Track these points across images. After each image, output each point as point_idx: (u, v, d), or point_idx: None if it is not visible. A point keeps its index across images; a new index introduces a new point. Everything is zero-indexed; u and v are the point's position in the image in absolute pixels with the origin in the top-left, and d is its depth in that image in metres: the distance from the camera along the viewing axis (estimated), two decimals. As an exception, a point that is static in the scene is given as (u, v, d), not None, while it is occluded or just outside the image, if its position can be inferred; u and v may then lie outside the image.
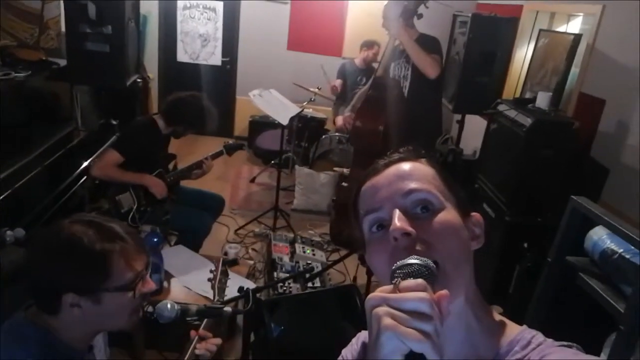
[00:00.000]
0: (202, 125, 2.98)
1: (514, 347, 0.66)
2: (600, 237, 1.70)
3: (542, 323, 1.81)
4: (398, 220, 0.63)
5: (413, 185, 0.68)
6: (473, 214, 0.72)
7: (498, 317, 0.71)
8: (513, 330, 0.69)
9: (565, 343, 0.66)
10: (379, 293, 0.52)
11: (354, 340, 0.85)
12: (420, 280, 0.52)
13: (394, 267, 0.57)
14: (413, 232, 0.62)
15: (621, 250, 1.61)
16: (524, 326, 0.70)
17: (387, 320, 0.48)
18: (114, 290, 1.10)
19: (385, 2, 3.37)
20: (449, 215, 0.66)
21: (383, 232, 0.67)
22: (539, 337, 0.67)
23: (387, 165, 0.73)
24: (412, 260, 0.56)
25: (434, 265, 0.57)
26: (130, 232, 1.17)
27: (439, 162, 0.76)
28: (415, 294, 0.50)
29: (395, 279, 0.54)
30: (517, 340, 0.66)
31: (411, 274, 0.55)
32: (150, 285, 1.20)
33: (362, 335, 0.84)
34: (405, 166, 0.71)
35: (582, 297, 1.68)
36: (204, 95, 3.03)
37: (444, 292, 0.52)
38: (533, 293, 2.57)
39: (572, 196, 1.77)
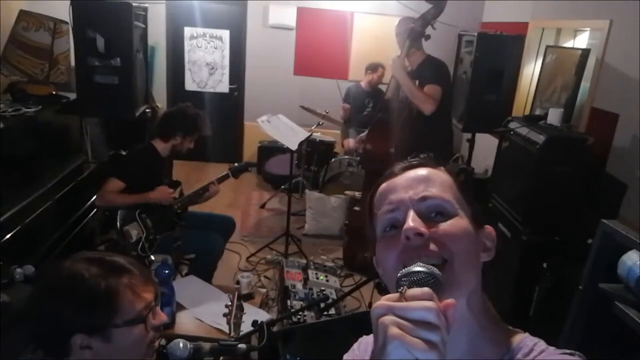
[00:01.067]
0: (195, 128, 2.97)
1: (516, 354, 0.66)
2: (634, 262, 1.62)
3: (575, 349, 1.73)
4: (412, 220, 0.64)
5: (430, 191, 0.68)
6: (486, 226, 0.73)
7: (501, 324, 0.71)
8: (515, 337, 0.69)
9: (567, 351, 0.66)
10: (385, 302, 0.51)
11: (355, 345, 0.85)
12: (426, 289, 0.52)
13: (399, 275, 0.56)
14: (426, 232, 0.63)
15: None
16: (526, 334, 0.70)
17: (394, 330, 0.48)
18: (124, 325, 1.06)
19: (392, 21, 3.39)
20: (462, 221, 0.67)
21: (395, 233, 0.67)
22: (541, 344, 0.67)
23: (407, 169, 0.74)
24: (418, 267, 0.56)
25: (440, 273, 0.56)
26: (134, 264, 1.15)
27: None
28: (421, 303, 0.50)
29: (402, 287, 0.53)
30: (520, 347, 0.66)
31: (417, 282, 0.54)
32: (162, 317, 1.17)
33: (364, 341, 0.83)
34: (424, 171, 0.72)
35: (615, 324, 1.60)
36: (190, 105, 3.08)
37: (451, 301, 0.52)
38: (555, 313, 2.49)
39: (603, 220, 1.70)
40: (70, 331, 1.03)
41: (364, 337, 0.84)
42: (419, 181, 0.70)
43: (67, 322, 1.04)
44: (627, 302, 1.62)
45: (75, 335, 1.03)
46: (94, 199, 3.04)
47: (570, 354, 0.65)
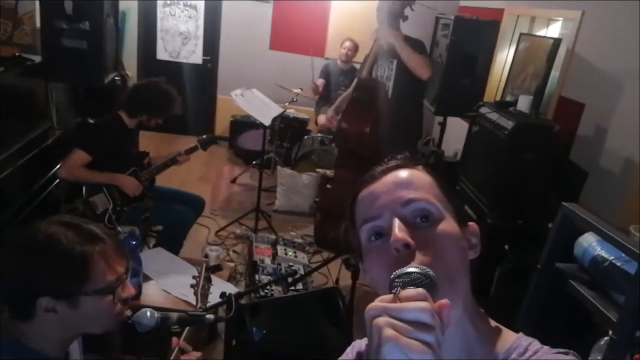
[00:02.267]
0: (164, 110, 2.86)
1: (511, 354, 0.66)
2: (590, 243, 1.70)
3: (531, 328, 1.81)
4: (399, 230, 0.62)
5: (413, 194, 0.67)
6: (470, 223, 0.72)
7: (494, 324, 0.71)
8: (509, 337, 0.69)
9: (562, 350, 0.66)
10: (379, 303, 0.51)
11: (348, 349, 0.83)
12: (421, 290, 0.52)
13: (392, 276, 0.56)
14: (413, 244, 0.61)
15: (612, 257, 1.62)
16: (520, 333, 0.70)
17: (389, 331, 0.47)
18: (93, 294, 1.05)
19: (369, 2, 3.36)
20: (448, 225, 0.66)
21: (382, 242, 0.66)
22: (536, 344, 0.67)
23: (385, 172, 0.72)
24: (412, 269, 0.55)
25: (434, 274, 0.56)
26: (109, 234, 1.13)
27: (423, 164, 0.76)
28: (416, 303, 0.49)
29: (395, 288, 0.53)
30: (514, 347, 0.66)
31: (411, 282, 0.54)
32: (130, 290, 1.16)
33: (357, 345, 0.82)
34: (404, 174, 0.71)
35: (569, 303, 1.68)
36: (163, 80, 2.91)
37: (445, 301, 0.51)
38: (514, 295, 2.59)
39: (563, 203, 1.77)
40: (38, 292, 1.02)
41: (357, 340, 0.83)
42: (399, 185, 0.68)
43: (36, 282, 1.02)
44: (581, 282, 1.70)
45: (42, 297, 1.02)
46: (58, 171, 2.93)
47: (565, 353, 0.65)
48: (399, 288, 0.53)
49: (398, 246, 0.61)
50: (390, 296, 0.51)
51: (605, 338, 1.54)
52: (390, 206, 0.67)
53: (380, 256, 0.65)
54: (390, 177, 0.70)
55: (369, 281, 0.70)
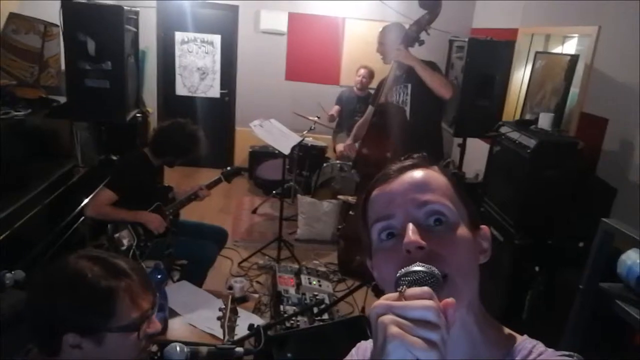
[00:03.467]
0: (190, 151, 2.89)
1: (515, 356, 0.66)
2: (634, 261, 1.64)
3: (577, 351, 1.74)
4: (412, 233, 0.62)
5: (428, 196, 0.67)
6: (482, 226, 0.72)
7: (500, 327, 0.71)
8: (514, 340, 0.69)
9: (566, 353, 0.65)
10: (384, 301, 0.51)
11: (353, 350, 0.83)
12: (426, 288, 0.51)
13: (398, 275, 0.56)
14: (426, 245, 0.61)
15: None
16: (525, 336, 0.70)
17: (394, 329, 0.47)
18: (118, 331, 1.04)
19: (382, 27, 3.41)
20: (461, 230, 0.66)
21: (394, 242, 0.66)
22: (540, 346, 0.67)
23: (400, 172, 0.71)
24: (417, 267, 0.56)
25: (439, 273, 0.56)
26: (136, 269, 1.13)
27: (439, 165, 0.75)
28: (421, 302, 0.49)
29: (401, 287, 0.53)
30: (519, 350, 0.66)
31: (416, 281, 0.54)
32: (157, 326, 1.15)
33: (362, 346, 0.83)
34: (420, 174, 0.70)
35: (616, 321, 1.61)
36: (189, 121, 2.94)
37: (450, 300, 0.51)
38: (548, 316, 2.50)
39: (603, 219, 1.71)
40: (64, 329, 1.02)
41: (362, 342, 0.83)
42: (414, 185, 0.68)
43: (61, 318, 1.02)
44: (628, 301, 1.63)
45: (68, 334, 1.01)
46: (84, 209, 2.98)
47: (569, 356, 0.65)
48: (404, 286, 0.53)
49: (410, 248, 0.61)
50: (395, 294, 0.52)
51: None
52: (404, 207, 0.66)
53: (391, 256, 0.64)
54: (406, 178, 0.70)
55: (377, 279, 0.70)
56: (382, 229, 0.67)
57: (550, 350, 0.66)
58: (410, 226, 0.63)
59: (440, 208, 0.65)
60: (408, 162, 0.73)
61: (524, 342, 0.67)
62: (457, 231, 0.65)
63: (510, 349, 0.67)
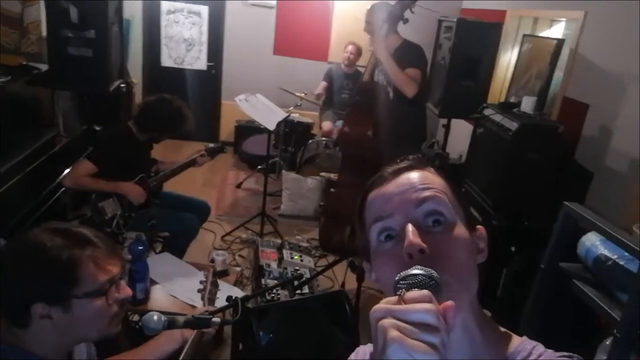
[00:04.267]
0: (176, 128, 2.87)
1: (515, 357, 0.66)
2: (593, 243, 1.70)
3: (535, 329, 1.81)
4: (413, 235, 0.62)
5: (426, 193, 0.67)
6: (478, 227, 0.72)
7: (499, 328, 0.71)
8: (514, 341, 0.69)
9: (566, 354, 0.66)
10: (383, 305, 0.51)
11: (352, 355, 0.83)
12: (425, 291, 0.52)
13: (397, 278, 0.56)
14: (427, 249, 0.61)
15: (615, 256, 1.61)
16: (524, 337, 0.70)
17: (394, 333, 0.47)
18: (84, 297, 1.06)
19: (370, 5, 3.37)
20: (459, 230, 0.66)
21: (393, 244, 0.66)
22: (540, 348, 0.67)
23: (397, 173, 0.71)
24: (416, 270, 0.55)
25: (438, 276, 0.56)
26: (100, 236, 1.14)
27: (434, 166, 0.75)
28: (421, 305, 0.49)
29: (400, 290, 0.53)
30: (518, 351, 0.67)
31: (416, 284, 0.54)
32: (127, 291, 1.16)
33: (362, 351, 0.82)
34: (416, 175, 0.70)
35: (575, 305, 1.67)
36: (176, 98, 2.92)
37: (450, 303, 0.51)
38: (521, 297, 2.58)
39: (565, 202, 1.77)
40: (31, 300, 1.03)
41: (361, 346, 0.83)
42: (412, 186, 0.68)
43: (28, 289, 1.04)
44: (585, 281, 1.70)
45: (35, 304, 1.03)
46: (62, 179, 2.95)
47: (569, 357, 0.65)
48: (403, 290, 0.53)
49: (412, 251, 0.61)
50: (395, 298, 0.52)
51: (610, 338, 1.54)
52: (402, 207, 0.66)
53: (391, 259, 0.64)
54: (403, 179, 0.70)
55: (375, 281, 0.70)
56: (381, 230, 0.67)
57: (550, 351, 0.66)
58: (410, 228, 0.63)
59: (438, 207, 0.66)
60: (404, 164, 0.72)
61: (524, 343, 0.68)
62: (455, 231, 0.65)
63: (510, 350, 0.67)
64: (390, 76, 3.14)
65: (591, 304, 1.62)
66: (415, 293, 0.51)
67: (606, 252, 1.63)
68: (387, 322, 0.49)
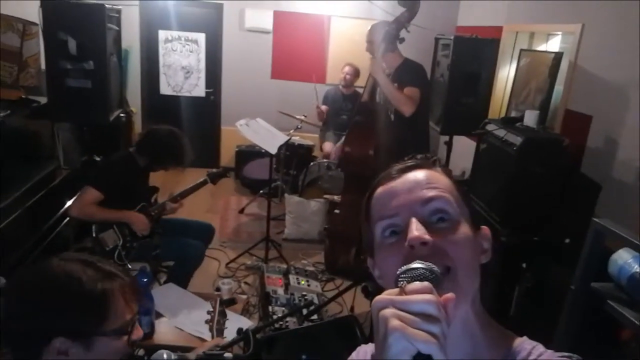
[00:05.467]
0: (174, 161, 2.89)
1: (515, 357, 0.66)
2: (625, 261, 1.64)
3: (569, 351, 1.74)
4: (416, 229, 0.63)
5: (432, 193, 0.67)
6: (482, 227, 0.72)
7: (499, 328, 0.71)
8: (514, 341, 0.69)
9: (566, 354, 0.66)
10: (385, 295, 0.52)
11: (353, 354, 0.83)
12: (426, 283, 0.53)
13: (398, 272, 0.57)
14: (430, 240, 0.62)
15: None
16: (524, 337, 0.70)
17: (395, 322, 0.49)
18: (111, 334, 1.01)
19: (370, 25, 3.39)
20: (463, 228, 0.67)
21: (397, 239, 0.66)
22: (540, 347, 0.67)
23: (404, 171, 0.72)
24: (417, 264, 0.57)
25: (439, 270, 0.57)
26: (123, 271, 1.10)
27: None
28: (422, 296, 0.51)
29: (401, 283, 0.54)
30: (518, 351, 0.67)
31: (416, 277, 0.55)
32: (139, 332, 1.11)
33: (362, 350, 0.83)
34: (424, 174, 0.71)
35: (601, 318, 1.61)
36: (180, 131, 2.93)
37: (450, 295, 0.53)
38: (535, 313, 2.52)
39: (594, 219, 1.71)
40: (52, 333, 0.97)
41: (362, 345, 0.84)
42: (418, 184, 0.69)
43: (52, 322, 0.97)
44: (619, 301, 1.63)
45: (56, 338, 0.97)
46: (68, 209, 2.92)
47: (569, 357, 0.66)
48: (404, 282, 0.54)
49: (415, 244, 0.62)
50: (396, 290, 0.53)
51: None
52: (408, 205, 0.67)
53: (394, 253, 0.65)
54: (410, 176, 0.70)
55: (378, 278, 0.71)
56: (386, 226, 0.68)
57: (549, 351, 0.66)
58: (414, 221, 0.63)
59: (444, 206, 0.66)
60: (411, 162, 0.73)
61: (523, 343, 0.68)
62: (459, 229, 0.66)
63: (510, 350, 0.67)
64: (387, 95, 3.14)
65: (628, 325, 1.55)
66: (416, 284, 0.52)
67: (641, 270, 1.58)
68: (389, 311, 0.50)
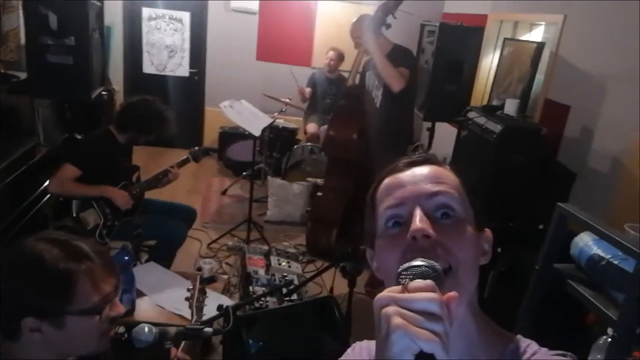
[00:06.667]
0: (155, 129, 2.84)
1: (509, 356, 0.67)
2: (586, 243, 1.72)
3: (530, 329, 1.82)
4: (420, 221, 0.62)
5: (439, 187, 0.67)
6: (485, 229, 0.73)
7: (496, 328, 0.72)
8: (508, 339, 0.70)
9: (560, 352, 0.67)
10: (387, 293, 0.52)
11: (349, 350, 0.83)
12: (429, 281, 0.52)
13: (399, 270, 0.56)
14: (433, 234, 0.61)
15: (609, 256, 1.63)
16: (519, 335, 0.71)
17: (398, 320, 0.48)
18: (78, 314, 1.02)
19: (356, 11, 3.38)
20: (467, 227, 0.67)
21: (399, 230, 0.66)
22: (534, 345, 0.68)
23: (412, 165, 0.72)
24: (419, 262, 0.56)
25: (440, 268, 0.57)
26: (99, 252, 1.10)
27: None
28: (425, 294, 0.50)
29: (404, 280, 0.54)
30: (513, 349, 0.67)
31: (418, 275, 0.54)
32: (120, 309, 1.13)
33: (358, 347, 0.82)
34: (432, 169, 0.71)
35: (567, 303, 1.69)
36: (158, 100, 2.90)
37: (453, 293, 0.52)
38: (508, 296, 2.60)
39: (559, 203, 1.78)
40: (22, 312, 0.99)
41: (358, 342, 0.83)
42: (427, 178, 0.68)
43: (20, 302, 1.00)
44: (579, 281, 1.72)
45: (26, 318, 0.99)
46: (47, 185, 2.89)
47: (563, 355, 0.66)
48: (407, 279, 0.53)
49: (417, 235, 0.61)
50: (399, 287, 0.52)
51: (604, 337, 1.55)
52: (415, 197, 0.67)
53: (395, 243, 0.65)
54: (418, 170, 0.70)
55: (376, 270, 0.71)
56: (390, 217, 0.67)
57: (543, 349, 0.67)
58: (418, 212, 0.63)
59: (450, 201, 0.66)
60: (419, 157, 0.73)
61: (518, 342, 0.69)
62: (462, 226, 0.66)
63: (505, 349, 0.68)
64: (379, 69, 3.13)
65: (587, 304, 1.63)
66: (419, 282, 0.52)
67: (600, 252, 1.65)
68: (391, 309, 0.49)
